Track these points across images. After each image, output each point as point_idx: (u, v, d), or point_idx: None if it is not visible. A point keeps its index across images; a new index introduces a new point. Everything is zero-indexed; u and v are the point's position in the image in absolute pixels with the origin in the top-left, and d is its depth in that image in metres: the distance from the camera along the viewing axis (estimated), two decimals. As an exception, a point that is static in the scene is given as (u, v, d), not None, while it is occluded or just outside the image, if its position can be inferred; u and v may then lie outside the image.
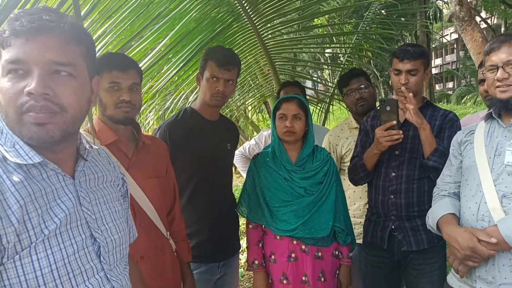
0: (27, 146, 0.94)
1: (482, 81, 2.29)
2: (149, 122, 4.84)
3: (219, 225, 2.33)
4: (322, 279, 2.20)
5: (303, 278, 2.19)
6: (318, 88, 7.64)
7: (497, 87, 1.64)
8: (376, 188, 2.28)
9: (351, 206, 2.71)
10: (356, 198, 2.72)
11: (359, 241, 2.66)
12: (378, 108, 2.22)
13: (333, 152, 2.79)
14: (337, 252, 2.27)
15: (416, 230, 2.16)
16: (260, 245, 2.29)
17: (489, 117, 1.75)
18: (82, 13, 2.21)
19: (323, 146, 2.85)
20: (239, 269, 4.48)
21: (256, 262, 2.26)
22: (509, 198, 1.57)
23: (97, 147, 1.20)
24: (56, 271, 0.94)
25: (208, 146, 2.27)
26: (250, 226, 2.30)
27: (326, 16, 7.14)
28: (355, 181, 2.41)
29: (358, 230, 2.68)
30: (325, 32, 6.19)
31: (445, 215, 1.75)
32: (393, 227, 2.21)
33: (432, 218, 1.81)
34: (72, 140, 1.04)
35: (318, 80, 6.43)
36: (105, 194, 1.14)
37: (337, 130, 2.86)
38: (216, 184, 2.33)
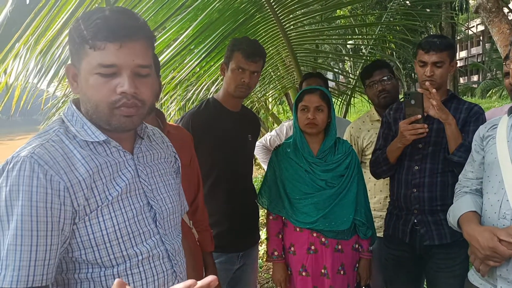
0: (94, 127, 1.11)
1: (508, 74, 2.23)
2: (171, 113, 4.88)
3: (240, 215, 2.35)
4: (342, 272, 2.20)
5: (322, 270, 2.19)
6: (340, 80, 7.57)
7: None
8: (399, 181, 2.26)
9: (372, 199, 2.68)
10: (376, 191, 2.70)
11: (379, 234, 2.65)
12: (402, 101, 2.19)
13: (355, 144, 2.77)
14: (357, 246, 2.26)
15: (439, 224, 2.13)
16: (280, 236, 2.29)
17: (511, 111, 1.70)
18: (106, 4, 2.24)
19: (344, 139, 2.83)
20: (258, 260, 4.53)
21: (276, 253, 2.27)
22: None
23: (151, 128, 1.36)
24: (119, 231, 1.10)
25: (229, 137, 2.29)
26: (271, 217, 2.31)
27: (349, 7, 7.06)
28: (377, 175, 2.39)
29: (378, 223, 2.66)
30: (347, 24, 6.11)
31: (466, 213, 1.70)
32: (415, 221, 2.19)
33: (453, 215, 1.77)
34: None
35: (340, 72, 6.36)
36: (159, 168, 1.29)
37: (359, 122, 2.83)
38: (236, 174, 2.35)
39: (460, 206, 1.75)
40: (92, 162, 1.08)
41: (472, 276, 1.75)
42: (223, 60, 2.32)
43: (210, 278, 0.84)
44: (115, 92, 1.06)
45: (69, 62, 1.11)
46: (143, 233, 1.16)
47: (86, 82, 1.06)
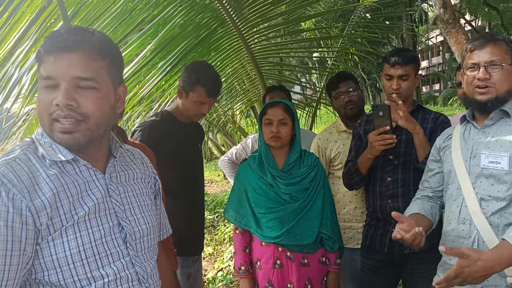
0: (61, 146, 1.09)
1: (461, 83, 2.30)
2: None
3: (197, 221, 2.51)
4: (309, 287, 2.17)
5: (289, 285, 2.17)
6: (306, 92, 7.66)
7: (477, 86, 1.61)
8: (374, 193, 2.29)
9: (341, 210, 2.70)
10: (345, 202, 2.71)
11: (349, 245, 2.65)
12: (371, 113, 2.23)
13: (322, 155, 2.79)
14: (324, 259, 2.24)
15: None
16: (247, 251, 2.27)
17: (464, 119, 1.75)
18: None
19: (311, 150, 2.84)
20: (228, 275, 4.47)
21: (243, 268, 2.24)
22: (487, 201, 1.58)
23: (132, 148, 1.37)
24: (83, 252, 1.07)
25: (184, 147, 2.40)
26: (237, 231, 2.28)
27: (313, 20, 7.17)
28: (350, 186, 2.41)
29: (347, 234, 2.67)
30: (312, 36, 6.20)
31: (410, 215, 1.76)
32: (393, 230, 2.21)
33: None
34: (102, 143, 1.19)
35: (306, 84, 6.43)
36: (134, 189, 1.27)
37: (326, 134, 2.85)
38: (193, 181, 2.48)
39: (407, 211, 1.85)
40: (57, 181, 1.06)
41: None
42: (180, 83, 2.40)
43: None
44: (52, 104, 1.05)
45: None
46: (111, 255, 1.13)
47: (38, 97, 1.08)
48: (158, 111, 2.54)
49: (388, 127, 2.05)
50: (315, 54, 7.06)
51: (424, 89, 42.61)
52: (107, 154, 1.22)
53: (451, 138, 1.80)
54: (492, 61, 1.58)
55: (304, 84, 6.27)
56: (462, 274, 1.38)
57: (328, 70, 5.36)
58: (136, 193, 1.27)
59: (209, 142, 10.00)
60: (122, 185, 1.23)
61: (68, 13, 2.28)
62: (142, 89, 3.50)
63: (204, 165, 2.73)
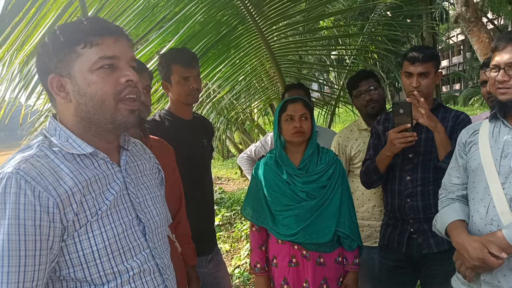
0: (80, 139, 1.09)
1: (485, 82, 2.26)
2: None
3: (204, 219, 2.41)
4: (325, 286, 2.15)
5: (304, 284, 2.15)
6: (324, 91, 7.63)
7: (498, 88, 1.61)
8: (392, 192, 2.27)
9: (359, 208, 2.68)
10: (364, 200, 2.70)
11: (367, 243, 2.64)
12: (391, 110, 2.21)
13: (342, 153, 2.78)
14: (340, 259, 2.21)
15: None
16: (263, 248, 2.26)
17: (493, 117, 1.71)
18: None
19: (331, 148, 2.83)
20: (245, 272, 4.48)
21: (258, 265, 2.24)
22: None
23: (133, 140, 1.35)
24: (109, 246, 1.07)
25: (187, 144, 2.32)
26: (254, 229, 2.28)
27: (332, 18, 7.14)
28: (368, 184, 2.39)
29: (366, 232, 2.66)
30: (330, 34, 6.16)
31: (454, 222, 1.70)
32: (412, 230, 2.20)
33: (441, 222, 1.77)
34: (120, 132, 1.20)
35: (324, 82, 6.41)
36: (145, 181, 1.28)
37: (347, 132, 2.84)
38: (198, 179, 2.39)
39: (448, 214, 1.75)
40: (81, 176, 1.05)
41: (455, 281, 1.76)
42: (161, 78, 2.38)
43: None
44: (119, 83, 1.08)
45: (52, 75, 1.08)
46: (133, 248, 1.14)
47: (86, 82, 1.06)
48: (157, 111, 2.49)
49: (409, 125, 2.04)
50: (333, 52, 7.03)
51: (444, 89, 41.97)
52: (117, 146, 1.23)
53: (477, 133, 1.75)
54: (511, 62, 1.56)
55: (323, 82, 6.25)
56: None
57: (347, 68, 5.33)
58: (147, 185, 1.27)
59: (226, 140, 10.03)
60: (135, 178, 1.23)
61: (91, 11, 2.32)
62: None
63: (211, 162, 2.65)
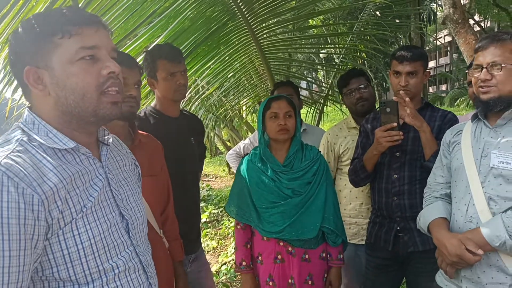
0: (61, 134, 1.04)
1: (471, 82, 2.29)
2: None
3: (189, 219, 2.36)
4: (310, 282, 2.16)
5: (289, 280, 2.17)
6: (313, 89, 7.65)
7: (479, 87, 1.65)
8: (379, 190, 2.29)
9: (347, 206, 2.70)
10: (352, 198, 2.72)
11: (354, 241, 2.66)
12: (378, 109, 2.22)
13: (331, 151, 2.79)
14: (324, 254, 2.22)
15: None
16: (249, 246, 2.26)
17: (475, 117, 1.75)
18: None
19: (321, 145, 2.85)
20: (232, 269, 4.48)
21: (244, 263, 2.24)
22: (495, 200, 1.58)
23: (111, 134, 1.29)
24: (95, 244, 1.04)
25: (174, 143, 2.27)
26: (239, 226, 2.27)
27: (321, 17, 7.16)
28: (356, 183, 2.41)
29: (352, 230, 2.68)
30: (320, 33, 6.18)
31: (436, 219, 1.76)
32: (398, 228, 2.22)
33: (424, 220, 1.82)
34: (99, 126, 1.17)
35: (313, 81, 6.43)
36: (125, 176, 1.25)
37: (336, 129, 2.86)
38: (185, 178, 2.34)
39: (431, 212, 1.81)
40: (64, 172, 1.00)
41: (439, 277, 1.82)
42: (146, 75, 2.31)
43: None
44: (101, 75, 1.04)
45: (28, 67, 1.02)
46: (118, 245, 1.11)
47: (66, 73, 1.01)
48: (142, 108, 2.41)
49: (395, 124, 2.05)
50: (322, 51, 7.05)
51: (431, 89, 42.41)
52: (97, 141, 1.19)
53: (460, 134, 1.80)
54: (493, 61, 1.61)
55: (312, 81, 6.27)
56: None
57: (336, 67, 5.35)
58: (127, 181, 1.24)
59: (214, 137, 10.01)
60: (116, 174, 1.20)
61: (80, 4, 2.30)
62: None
63: (203, 161, 2.61)
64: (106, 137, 1.21)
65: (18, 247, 0.90)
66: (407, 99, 2.05)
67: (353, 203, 2.71)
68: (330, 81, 5.40)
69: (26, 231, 0.91)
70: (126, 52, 2.99)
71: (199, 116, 5.80)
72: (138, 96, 1.83)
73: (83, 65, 1.02)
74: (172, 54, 2.25)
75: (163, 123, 2.30)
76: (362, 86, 2.67)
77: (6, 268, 0.88)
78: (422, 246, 2.16)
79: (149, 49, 2.35)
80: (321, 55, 8.40)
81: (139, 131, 1.95)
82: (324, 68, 6.54)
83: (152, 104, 2.39)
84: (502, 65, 1.59)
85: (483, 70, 1.63)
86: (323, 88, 5.76)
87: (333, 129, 2.88)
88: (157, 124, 2.28)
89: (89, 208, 1.04)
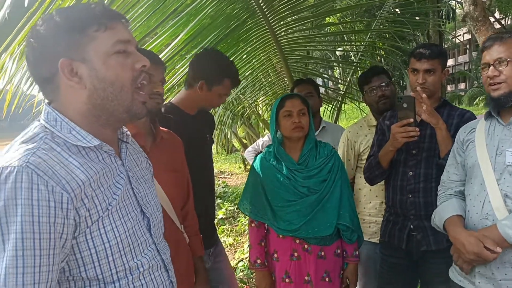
0: (84, 131, 1.03)
1: (487, 64, 2.28)
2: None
3: (207, 214, 2.38)
4: (327, 279, 2.17)
5: (306, 277, 2.17)
6: (330, 86, 7.63)
7: (489, 85, 1.68)
8: (394, 188, 2.28)
9: (367, 204, 2.70)
10: (372, 197, 2.70)
11: (373, 240, 2.65)
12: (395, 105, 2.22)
13: (351, 149, 2.78)
14: (339, 251, 2.23)
15: (435, 229, 2.15)
16: (263, 244, 2.26)
17: (488, 115, 1.76)
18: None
19: (340, 143, 2.84)
20: (248, 267, 4.51)
21: (258, 261, 2.24)
22: (511, 198, 1.58)
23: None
24: (121, 243, 1.03)
25: (193, 140, 2.27)
26: (253, 224, 2.27)
27: (338, 15, 7.12)
28: (371, 180, 2.40)
29: (372, 228, 2.67)
30: (337, 31, 6.16)
31: (452, 217, 1.76)
32: (412, 226, 2.20)
33: (439, 217, 1.83)
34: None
35: (332, 78, 6.42)
36: (143, 174, 1.24)
37: (356, 127, 2.84)
38: (202, 175, 2.35)
39: (446, 209, 1.81)
40: (90, 170, 0.99)
41: (452, 273, 1.83)
42: (200, 74, 2.25)
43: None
44: (134, 68, 1.05)
45: (62, 59, 0.99)
46: (141, 243, 1.11)
47: (105, 66, 1.01)
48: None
49: (411, 120, 2.03)
50: (340, 49, 7.02)
51: (449, 88, 41.78)
52: (117, 138, 1.18)
53: (474, 132, 1.80)
54: (499, 58, 1.64)
55: (332, 78, 6.26)
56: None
57: (354, 64, 5.33)
58: (145, 179, 1.23)
59: (230, 135, 10.05)
60: (135, 172, 1.19)
61: (106, 2, 2.34)
62: (171, 79, 3.55)
63: (212, 155, 2.63)
64: (125, 134, 1.21)
65: (48, 246, 0.89)
66: (424, 95, 2.04)
67: (373, 202, 2.70)
68: (348, 78, 5.39)
69: (56, 230, 0.90)
70: (147, 49, 3.03)
71: (217, 114, 5.87)
72: (162, 93, 1.87)
73: (119, 58, 1.03)
74: (236, 79, 2.34)
75: (182, 119, 2.31)
76: (383, 84, 2.66)
77: (37, 267, 0.87)
78: (435, 245, 2.15)
79: (214, 56, 2.34)
80: (337, 52, 8.36)
81: (161, 128, 1.98)
82: (342, 65, 6.52)
83: (173, 100, 2.40)
84: (508, 60, 1.62)
85: (490, 67, 1.66)
86: (341, 84, 5.74)
87: (353, 127, 2.87)
88: (176, 120, 2.28)
89: (114, 206, 1.03)
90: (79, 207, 0.95)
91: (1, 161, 0.91)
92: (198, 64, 2.30)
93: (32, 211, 0.86)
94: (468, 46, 42.85)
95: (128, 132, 1.24)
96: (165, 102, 2.32)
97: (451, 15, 26.91)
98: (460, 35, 40.53)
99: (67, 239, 0.94)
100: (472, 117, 2.20)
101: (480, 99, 24.96)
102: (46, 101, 1.09)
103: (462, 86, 43.40)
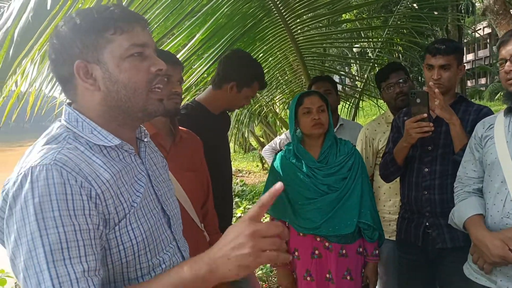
0: (105, 131, 1.04)
1: (504, 59, 2.24)
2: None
3: (228, 213, 2.42)
4: (348, 277, 2.16)
5: (327, 275, 2.16)
6: (347, 83, 7.58)
7: (507, 80, 1.65)
8: (409, 184, 2.25)
9: (387, 202, 2.67)
10: (391, 194, 2.68)
11: (394, 238, 2.61)
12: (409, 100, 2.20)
13: (370, 146, 2.76)
14: (361, 249, 2.21)
15: (451, 226, 2.11)
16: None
17: (508, 111, 1.72)
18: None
19: (358, 140, 2.82)
20: (268, 264, 4.52)
21: None
22: None
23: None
24: (146, 239, 1.04)
25: (215, 139, 2.30)
26: None
27: (355, 11, 7.07)
28: (386, 177, 2.38)
29: (392, 227, 2.63)
30: (354, 27, 6.11)
31: (473, 216, 1.73)
32: (427, 224, 2.18)
33: (459, 216, 1.79)
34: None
35: (349, 75, 6.37)
36: (161, 173, 1.25)
37: (374, 124, 2.82)
38: (223, 173, 2.38)
39: (466, 208, 1.77)
40: (113, 168, 1.01)
41: (467, 270, 1.80)
42: (230, 76, 2.26)
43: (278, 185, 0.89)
44: (149, 72, 1.05)
45: (78, 61, 1.01)
46: (162, 240, 1.12)
47: (119, 69, 1.02)
48: (186, 102, 2.43)
49: (425, 115, 2.00)
50: (357, 45, 6.97)
51: (469, 83, 41.07)
52: (135, 137, 1.18)
53: (492, 127, 1.76)
54: None
55: (349, 75, 6.21)
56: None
57: (372, 61, 5.29)
58: (163, 177, 1.24)
59: (248, 133, 10.07)
60: (154, 170, 1.20)
61: (124, 3, 2.37)
62: (188, 80, 3.58)
63: (230, 154, 2.67)
64: (143, 133, 1.21)
65: (88, 236, 0.90)
66: (437, 90, 2.01)
67: (392, 200, 2.68)
68: (365, 75, 5.34)
69: (92, 221, 0.91)
70: (165, 49, 3.06)
71: (234, 113, 5.89)
72: (181, 92, 1.89)
73: (133, 61, 1.03)
74: (263, 82, 2.39)
75: (205, 117, 2.33)
76: (401, 80, 2.63)
77: (84, 257, 0.88)
78: (451, 243, 2.12)
79: (244, 58, 2.38)
80: (354, 49, 8.30)
81: (180, 127, 2.00)
82: (360, 62, 6.46)
83: (197, 97, 2.41)
84: None
85: (507, 62, 1.64)
86: (358, 81, 5.70)
87: (371, 124, 2.85)
88: (200, 118, 2.30)
89: (138, 203, 1.04)
90: (108, 204, 0.96)
91: (27, 162, 0.93)
92: (229, 65, 2.30)
93: (67, 205, 0.88)
94: (488, 40, 42.03)
95: (147, 131, 1.25)
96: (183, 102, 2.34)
97: (470, 9, 26.44)
98: (480, 29, 39.79)
99: (103, 231, 0.95)
100: (489, 112, 2.16)
101: (502, 94, 24.47)
102: (67, 101, 1.10)
103: (482, 81, 42.60)
